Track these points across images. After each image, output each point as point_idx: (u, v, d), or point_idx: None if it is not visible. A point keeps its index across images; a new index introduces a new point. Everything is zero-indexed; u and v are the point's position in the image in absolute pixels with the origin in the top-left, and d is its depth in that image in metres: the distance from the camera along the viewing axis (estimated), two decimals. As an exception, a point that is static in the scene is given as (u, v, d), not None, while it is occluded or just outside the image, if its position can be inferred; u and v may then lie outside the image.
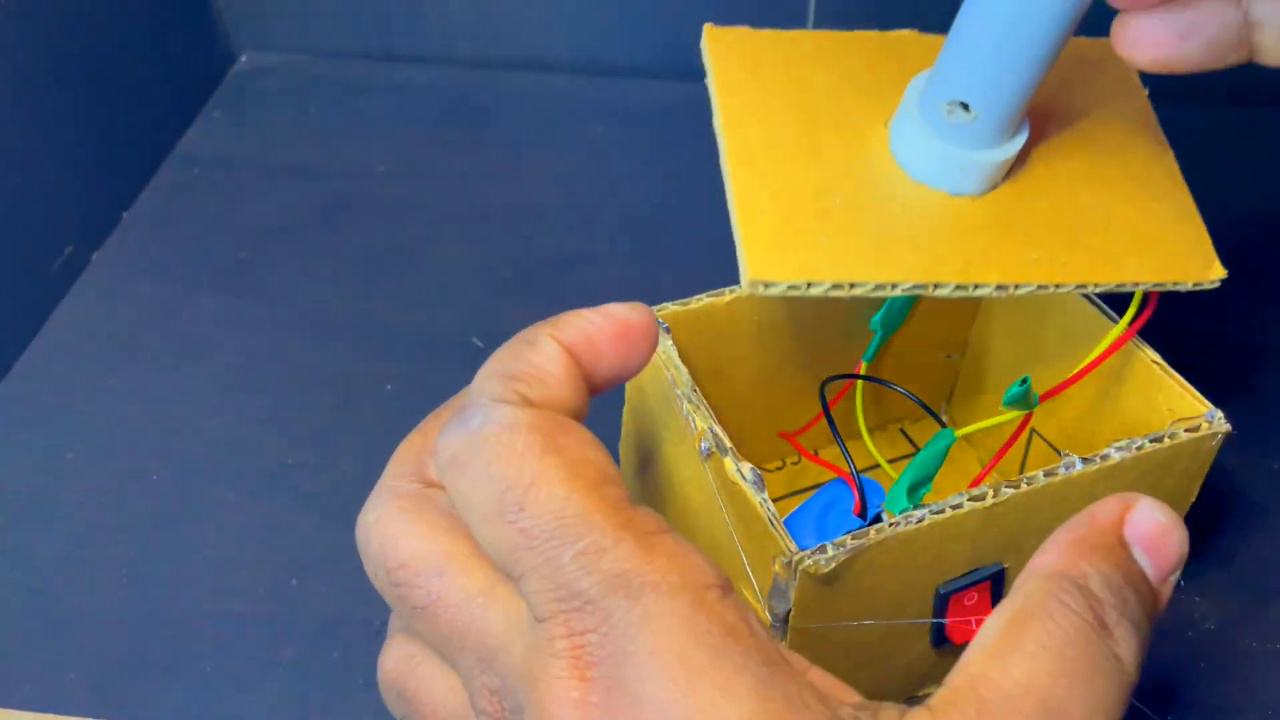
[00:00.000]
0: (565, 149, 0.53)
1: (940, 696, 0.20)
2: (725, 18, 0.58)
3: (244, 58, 0.60)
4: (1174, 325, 0.43)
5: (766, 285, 0.25)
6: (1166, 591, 0.22)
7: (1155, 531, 0.22)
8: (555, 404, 0.22)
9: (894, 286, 0.26)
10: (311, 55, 0.59)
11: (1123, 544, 0.22)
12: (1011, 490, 0.27)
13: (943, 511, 0.26)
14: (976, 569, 0.28)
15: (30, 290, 0.45)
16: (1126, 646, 0.21)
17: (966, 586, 0.28)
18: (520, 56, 0.59)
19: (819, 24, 0.54)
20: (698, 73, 0.62)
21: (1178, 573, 0.23)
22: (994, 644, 0.20)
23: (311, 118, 0.56)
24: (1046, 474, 0.27)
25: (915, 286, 0.26)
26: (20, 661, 0.34)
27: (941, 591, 0.28)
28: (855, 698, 0.21)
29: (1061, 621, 0.20)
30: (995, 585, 0.29)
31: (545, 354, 0.23)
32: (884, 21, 0.58)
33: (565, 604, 0.20)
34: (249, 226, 0.50)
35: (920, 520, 0.26)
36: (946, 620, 0.29)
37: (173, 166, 0.53)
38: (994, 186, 0.28)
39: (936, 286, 0.26)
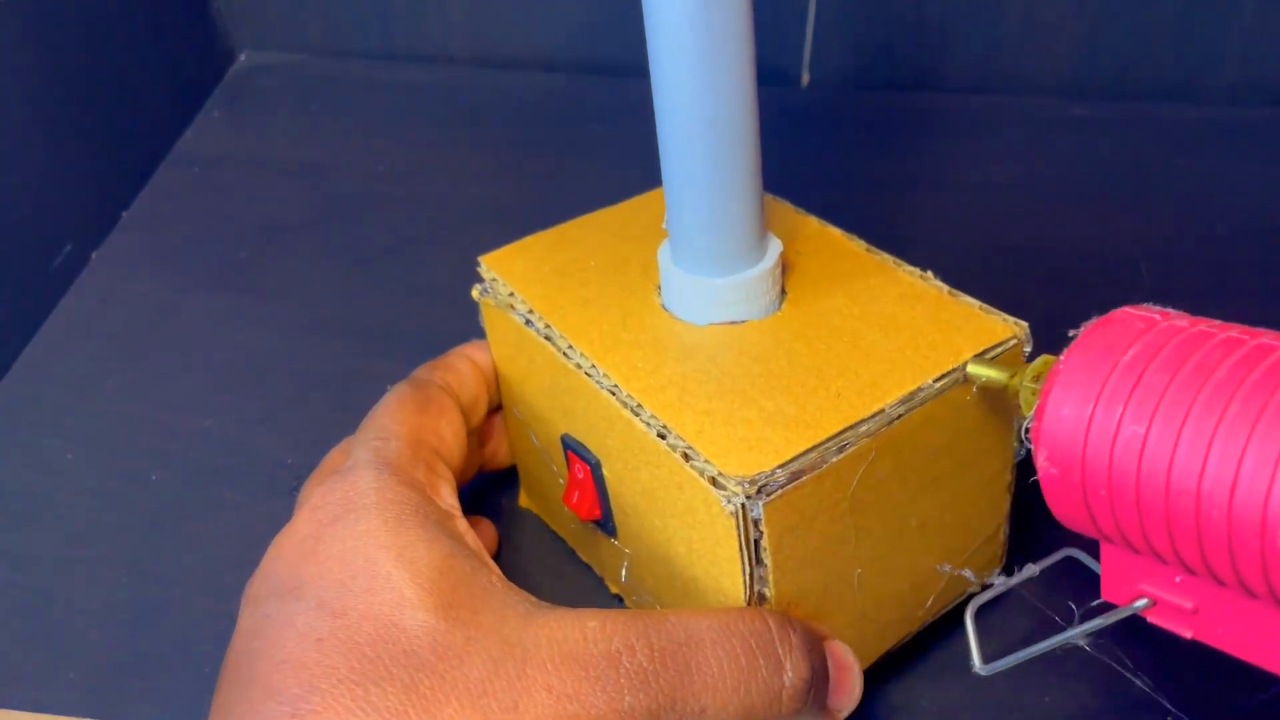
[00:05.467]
0: (565, 149, 0.53)
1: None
2: None
3: (243, 57, 0.60)
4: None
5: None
6: (837, 716, 0.27)
7: (845, 660, 0.27)
8: (462, 381, 0.33)
9: None
10: (311, 55, 0.59)
11: (821, 641, 0.27)
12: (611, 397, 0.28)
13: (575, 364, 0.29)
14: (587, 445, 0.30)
15: (30, 289, 0.45)
16: (793, 670, 0.25)
17: (579, 451, 0.30)
18: (520, 56, 0.59)
19: (819, 22, 0.55)
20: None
21: (846, 711, 0.27)
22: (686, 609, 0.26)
23: (311, 117, 0.56)
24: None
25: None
26: (20, 661, 0.34)
27: (564, 439, 0.30)
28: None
29: (746, 616, 0.25)
30: (596, 474, 0.30)
31: (455, 357, 0.34)
32: (883, 19, 0.58)
33: (344, 470, 0.28)
34: (248, 226, 0.50)
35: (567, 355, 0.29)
36: (568, 473, 0.31)
37: (172, 166, 0.53)
38: (770, 308, 0.30)
39: None
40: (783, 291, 0.30)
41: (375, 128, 0.55)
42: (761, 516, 0.25)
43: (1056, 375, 0.24)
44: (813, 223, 0.34)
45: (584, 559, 0.35)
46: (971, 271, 0.46)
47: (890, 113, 0.55)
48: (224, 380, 0.43)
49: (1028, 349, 0.28)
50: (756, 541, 0.25)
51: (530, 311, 0.31)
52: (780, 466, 0.25)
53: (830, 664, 0.27)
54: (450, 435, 0.30)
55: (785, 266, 0.31)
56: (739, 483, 0.24)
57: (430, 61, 0.59)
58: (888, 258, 0.32)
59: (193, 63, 0.57)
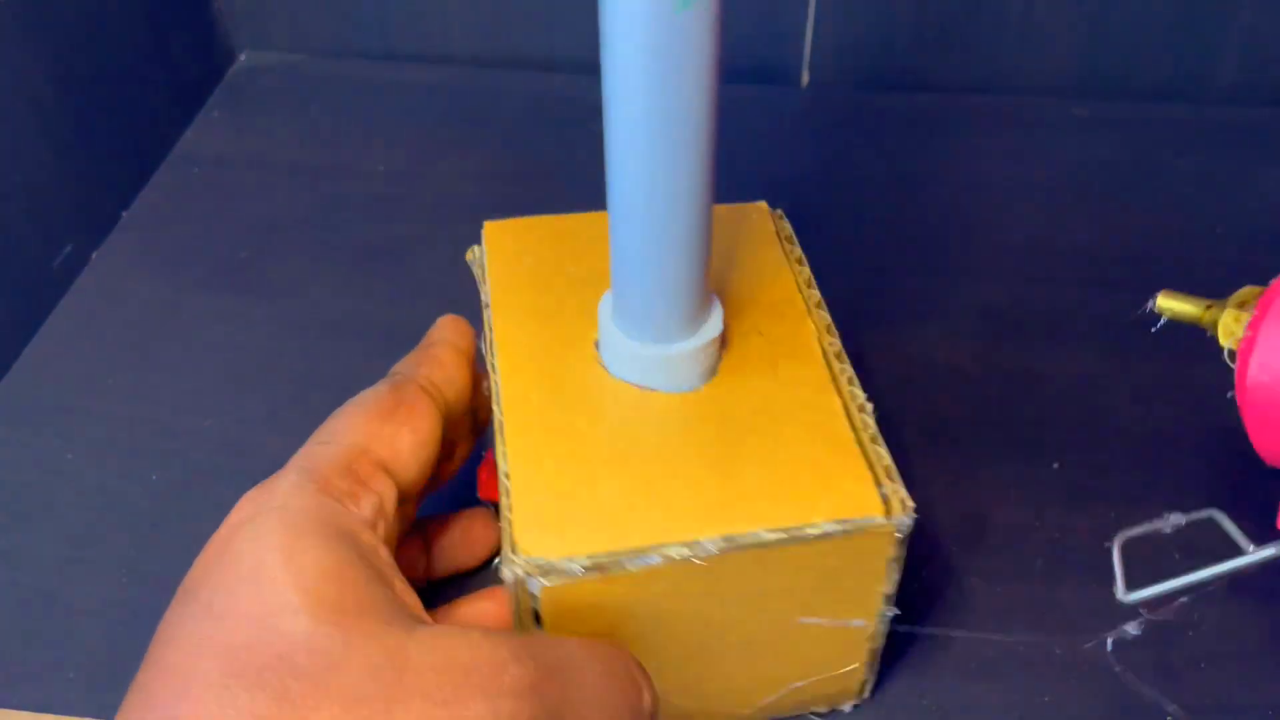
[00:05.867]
0: (565, 149, 0.53)
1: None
2: (725, 17, 0.58)
3: (243, 57, 0.60)
4: (1170, 328, 0.43)
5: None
6: None
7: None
8: (448, 378, 0.31)
9: None
10: (311, 55, 0.59)
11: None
12: None
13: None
14: None
15: (30, 289, 0.45)
16: (649, 697, 0.25)
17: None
18: (520, 56, 0.59)
19: (819, 22, 0.55)
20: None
21: None
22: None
23: (311, 117, 0.56)
24: None
25: None
26: (20, 661, 0.34)
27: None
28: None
29: (607, 645, 0.25)
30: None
31: (440, 348, 0.32)
32: (883, 19, 0.58)
33: (280, 471, 0.27)
34: (248, 226, 0.50)
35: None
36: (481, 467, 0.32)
37: (172, 166, 0.53)
38: (704, 378, 0.29)
39: None
40: (713, 369, 0.29)
41: (375, 128, 0.55)
42: (539, 595, 0.25)
43: (1265, 335, 0.25)
44: (788, 284, 0.32)
45: None
46: (972, 271, 0.46)
47: (890, 113, 0.55)
48: (224, 380, 0.43)
49: (894, 542, 0.26)
50: (535, 611, 0.26)
51: (488, 300, 0.31)
52: (570, 559, 0.25)
53: None
54: (407, 446, 0.29)
55: (726, 343, 0.30)
56: (524, 560, 0.25)
57: (430, 61, 0.59)
58: (845, 369, 0.30)
59: (193, 63, 0.57)
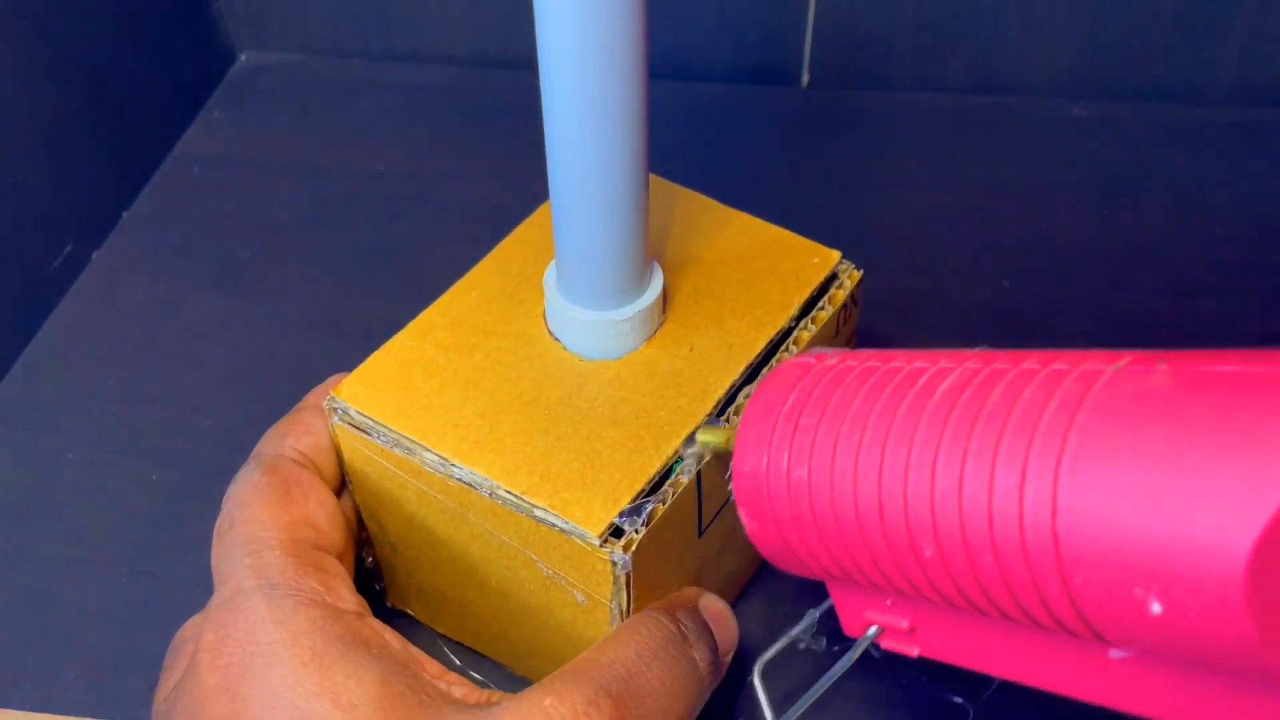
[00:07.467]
0: (565, 149, 0.53)
1: (550, 675, 0.24)
2: (725, 17, 0.59)
3: (244, 57, 0.60)
4: (1170, 328, 0.43)
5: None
6: (725, 663, 0.28)
7: (719, 611, 0.29)
8: (320, 445, 0.30)
9: None
10: (311, 55, 0.59)
11: (699, 609, 0.28)
12: None
13: None
14: None
15: (30, 289, 0.45)
16: (701, 655, 0.26)
17: None
18: (520, 56, 0.58)
19: (819, 22, 0.55)
20: (698, 73, 0.63)
21: (732, 653, 0.29)
22: (600, 642, 0.25)
23: (311, 117, 0.56)
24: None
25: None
26: (20, 661, 0.34)
27: None
28: (478, 697, 0.25)
29: (652, 627, 0.26)
30: None
31: (309, 413, 0.30)
32: (883, 19, 0.58)
33: (225, 600, 0.25)
34: (249, 226, 0.50)
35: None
36: None
37: (172, 166, 0.53)
38: (628, 348, 0.30)
39: None
40: (620, 348, 0.30)
41: (375, 128, 0.55)
42: (335, 430, 0.29)
43: (737, 437, 0.25)
44: (767, 326, 0.31)
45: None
46: (971, 271, 0.46)
47: (890, 113, 0.55)
48: (224, 380, 0.43)
49: (609, 570, 0.26)
50: (338, 449, 0.30)
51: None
52: (363, 415, 0.28)
53: (709, 620, 0.28)
54: (325, 520, 0.28)
55: (662, 338, 0.30)
56: (331, 398, 0.29)
57: (430, 61, 0.59)
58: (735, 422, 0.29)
59: (193, 63, 0.57)
